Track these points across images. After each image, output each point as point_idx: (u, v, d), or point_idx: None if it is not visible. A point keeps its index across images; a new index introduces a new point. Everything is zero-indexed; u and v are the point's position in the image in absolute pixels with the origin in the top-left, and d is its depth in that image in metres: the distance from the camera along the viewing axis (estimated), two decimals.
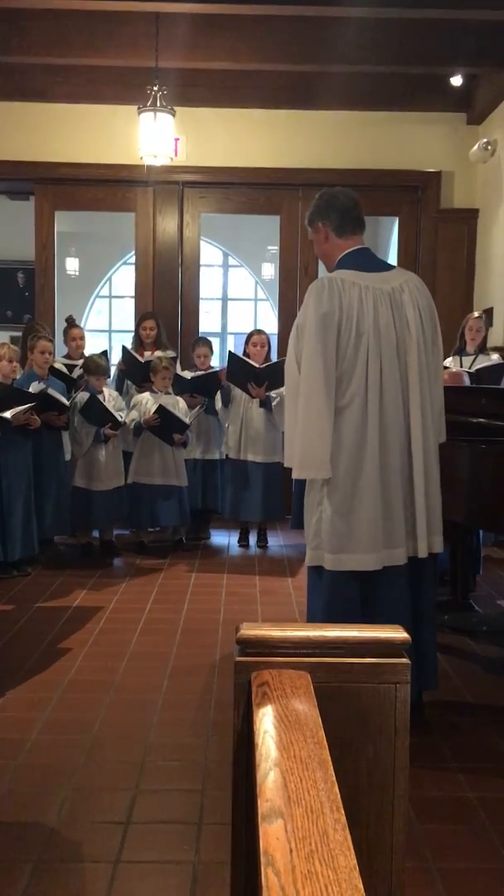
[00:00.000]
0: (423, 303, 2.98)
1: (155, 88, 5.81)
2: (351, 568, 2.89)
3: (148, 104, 5.83)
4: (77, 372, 5.95)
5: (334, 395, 2.83)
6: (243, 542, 6.28)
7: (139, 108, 5.89)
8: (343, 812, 0.97)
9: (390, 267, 3.06)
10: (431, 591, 3.10)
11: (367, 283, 2.88)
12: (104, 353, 6.13)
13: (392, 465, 2.89)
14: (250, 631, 1.40)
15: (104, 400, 5.74)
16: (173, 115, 5.94)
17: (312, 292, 2.87)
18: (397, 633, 1.39)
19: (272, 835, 0.91)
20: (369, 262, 3.00)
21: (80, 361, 5.95)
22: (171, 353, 6.28)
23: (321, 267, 7.25)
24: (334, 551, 2.89)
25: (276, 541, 6.36)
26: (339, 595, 2.92)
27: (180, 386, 6.08)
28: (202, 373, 6.18)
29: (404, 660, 1.38)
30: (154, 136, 5.87)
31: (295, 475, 2.97)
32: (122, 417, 5.64)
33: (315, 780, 1.04)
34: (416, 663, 2.96)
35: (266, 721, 1.20)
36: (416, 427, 2.92)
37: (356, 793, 1.36)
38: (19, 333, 7.34)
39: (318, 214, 3.04)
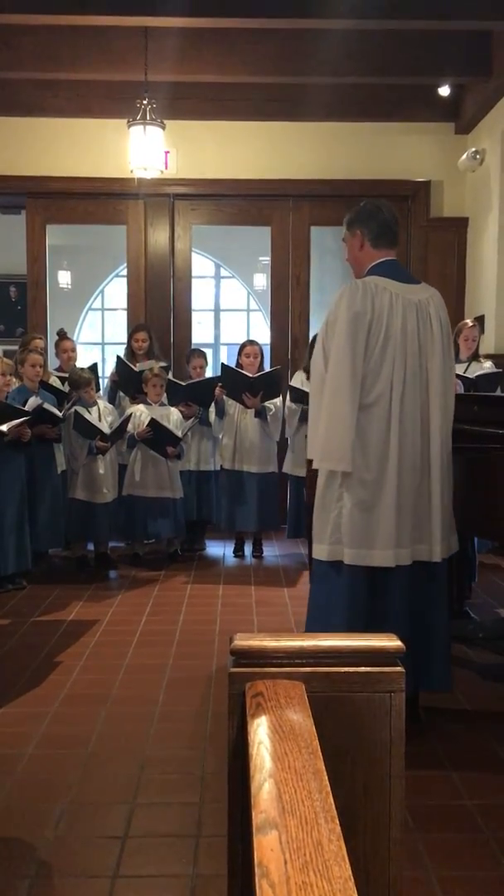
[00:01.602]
0: (444, 318, 3.12)
1: (145, 102, 5.83)
2: (372, 563, 2.95)
3: (138, 117, 5.85)
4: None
5: (359, 392, 2.92)
6: (239, 552, 6.28)
7: (129, 121, 5.91)
8: (338, 822, 0.97)
9: (417, 281, 3.19)
10: (445, 592, 3.15)
11: (398, 291, 3.01)
12: (94, 365, 6.14)
13: (410, 466, 2.98)
14: (244, 641, 1.40)
15: (98, 412, 5.74)
16: (163, 128, 5.97)
17: (346, 292, 2.98)
18: (391, 642, 1.39)
19: (266, 846, 0.91)
20: (400, 273, 3.14)
21: None
22: (162, 363, 6.29)
23: (313, 277, 7.31)
24: (355, 546, 2.95)
25: (271, 551, 6.36)
26: (356, 590, 2.98)
27: (175, 393, 6.08)
28: (197, 380, 6.19)
29: (398, 668, 1.38)
30: (144, 149, 5.90)
31: (315, 465, 3.04)
32: (110, 429, 5.62)
33: (310, 791, 1.03)
34: (426, 665, 3.00)
35: (260, 732, 1.20)
36: (434, 430, 3.03)
37: (352, 802, 1.36)
38: (12, 347, 7.34)
39: (359, 221, 3.15)
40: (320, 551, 3.05)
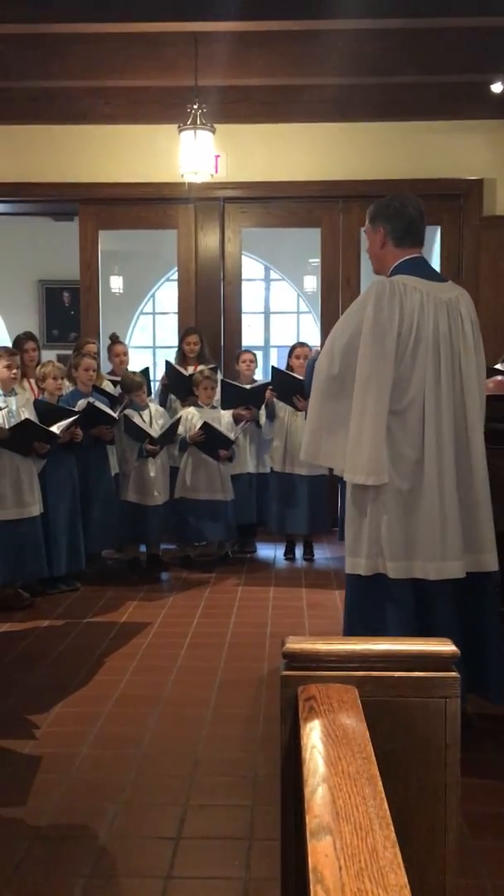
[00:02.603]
0: (474, 317, 3.01)
1: (195, 107, 5.87)
2: (415, 576, 2.86)
3: (188, 122, 5.89)
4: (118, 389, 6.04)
5: (389, 399, 2.81)
6: (289, 555, 6.26)
7: (179, 126, 5.95)
8: (392, 828, 0.96)
9: (444, 279, 3.08)
10: (496, 602, 3.05)
11: (428, 290, 2.89)
12: (146, 370, 6.20)
13: (448, 474, 2.85)
14: (296, 645, 1.39)
15: (150, 415, 5.79)
16: (213, 132, 6.00)
17: (373, 292, 2.86)
18: (446, 647, 1.37)
19: (321, 852, 0.90)
20: (428, 271, 3.02)
21: None
22: (211, 365, 6.33)
23: (363, 278, 7.26)
24: (395, 559, 2.85)
25: (322, 553, 6.33)
26: (402, 604, 2.88)
27: (231, 396, 6.09)
28: (252, 386, 6.20)
29: (453, 674, 1.36)
30: (195, 154, 5.93)
31: (357, 481, 2.87)
32: (158, 432, 5.66)
33: (364, 796, 1.02)
34: (479, 676, 2.91)
35: (313, 736, 1.20)
36: (473, 434, 2.91)
37: (406, 809, 1.34)
38: (66, 352, 7.45)
39: (382, 217, 3.03)
40: (356, 565, 2.93)
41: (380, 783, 1.06)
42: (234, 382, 6.19)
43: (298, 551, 6.29)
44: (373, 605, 2.93)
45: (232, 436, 5.87)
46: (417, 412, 2.84)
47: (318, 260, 7.46)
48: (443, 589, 2.88)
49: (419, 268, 2.97)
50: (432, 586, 2.87)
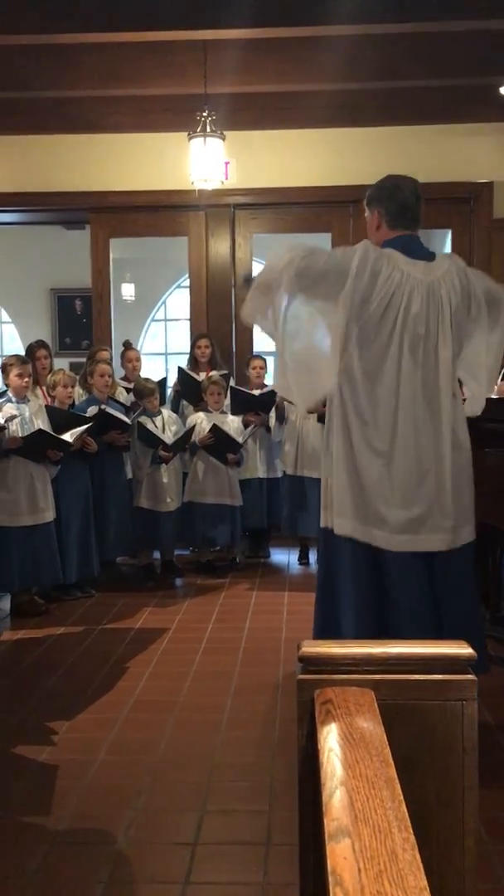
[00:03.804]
0: (475, 287, 2.95)
1: (205, 115, 5.89)
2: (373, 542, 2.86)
3: (198, 130, 5.91)
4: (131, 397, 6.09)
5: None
6: (303, 559, 6.26)
7: (189, 134, 5.98)
8: (412, 831, 0.96)
9: (433, 256, 2.99)
10: (469, 580, 2.99)
11: (410, 270, 2.86)
12: (163, 380, 6.25)
13: (416, 449, 2.83)
14: (312, 648, 1.39)
15: (162, 421, 5.81)
16: (223, 139, 6.02)
17: (361, 247, 2.88)
18: (462, 649, 1.37)
19: (340, 854, 0.90)
20: (416, 249, 2.95)
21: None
22: (223, 371, 6.35)
23: None
24: (342, 516, 2.88)
25: None
26: (358, 567, 2.90)
27: (240, 402, 6.10)
28: (261, 392, 6.21)
29: (470, 676, 1.36)
30: (204, 161, 5.95)
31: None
32: (174, 438, 5.68)
33: (382, 799, 1.03)
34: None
35: (330, 739, 1.20)
36: (446, 422, 2.85)
37: (424, 812, 1.34)
38: (79, 360, 7.49)
39: (377, 200, 3.05)
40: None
41: (398, 786, 1.06)
42: (242, 389, 6.20)
43: (312, 555, 6.28)
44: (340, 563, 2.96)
45: (240, 440, 5.88)
46: (391, 381, 2.81)
47: None
48: (409, 565, 2.84)
49: (406, 246, 2.93)
50: (396, 561, 2.84)
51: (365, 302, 2.81)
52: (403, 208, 2.99)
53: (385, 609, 2.84)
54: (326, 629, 3.00)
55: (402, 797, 1.03)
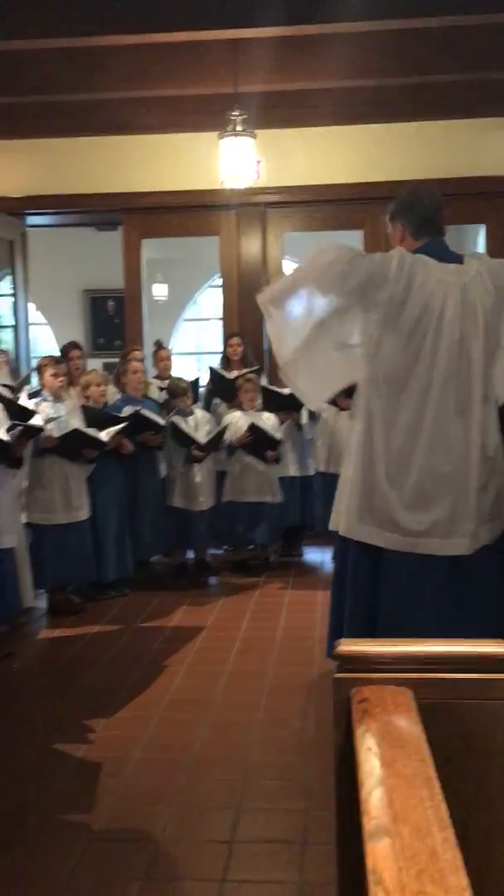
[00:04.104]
0: (488, 302, 2.90)
1: (235, 114, 5.89)
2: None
3: (228, 129, 5.92)
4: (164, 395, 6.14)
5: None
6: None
7: (220, 133, 5.99)
8: (452, 830, 0.95)
9: (461, 259, 2.98)
10: (494, 587, 2.93)
11: (442, 275, 2.86)
12: (196, 380, 6.28)
13: (442, 453, 2.82)
14: (349, 647, 1.39)
15: (195, 420, 5.83)
16: (254, 138, 6.02)
17: (398, 253, 2.88)
18: (502, 648, 1.36)
19: (379, 853, 0.90)
20: (444, 253, 2.97)
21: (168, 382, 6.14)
22: (254, 367, 6.35)
23: None
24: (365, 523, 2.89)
25: None
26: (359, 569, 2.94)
27: (271, 402, 6.10)
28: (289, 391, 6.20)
29: None
30: (235, 160, 5.95)
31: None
32: (207, 437, 5.69)
33: (421, 798, 1.02)
34: None
35: (368, 738, 1.19)
36: (475, 428, 2.82)
37: (463, 812, 1.32)
38: (112, 360, 7.54)
39: (400, 214, 3.08)
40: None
41: (437, 785, 1.05)
42: (273, 388, 6.19)
43: None
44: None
45: (278, 436, 5.88)
46: (418, 402, 2.80)
47: None
48: (416, 567, 2.83)
49: (435, 251, 2.94)
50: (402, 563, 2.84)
51: (401, 307, 2.81)
52: (425, 219, 3.02)
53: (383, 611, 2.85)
54: (337, 630, 3.00)
55: (441, 796, 1.02)
